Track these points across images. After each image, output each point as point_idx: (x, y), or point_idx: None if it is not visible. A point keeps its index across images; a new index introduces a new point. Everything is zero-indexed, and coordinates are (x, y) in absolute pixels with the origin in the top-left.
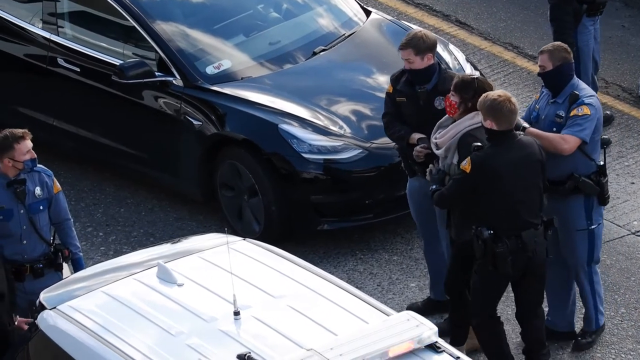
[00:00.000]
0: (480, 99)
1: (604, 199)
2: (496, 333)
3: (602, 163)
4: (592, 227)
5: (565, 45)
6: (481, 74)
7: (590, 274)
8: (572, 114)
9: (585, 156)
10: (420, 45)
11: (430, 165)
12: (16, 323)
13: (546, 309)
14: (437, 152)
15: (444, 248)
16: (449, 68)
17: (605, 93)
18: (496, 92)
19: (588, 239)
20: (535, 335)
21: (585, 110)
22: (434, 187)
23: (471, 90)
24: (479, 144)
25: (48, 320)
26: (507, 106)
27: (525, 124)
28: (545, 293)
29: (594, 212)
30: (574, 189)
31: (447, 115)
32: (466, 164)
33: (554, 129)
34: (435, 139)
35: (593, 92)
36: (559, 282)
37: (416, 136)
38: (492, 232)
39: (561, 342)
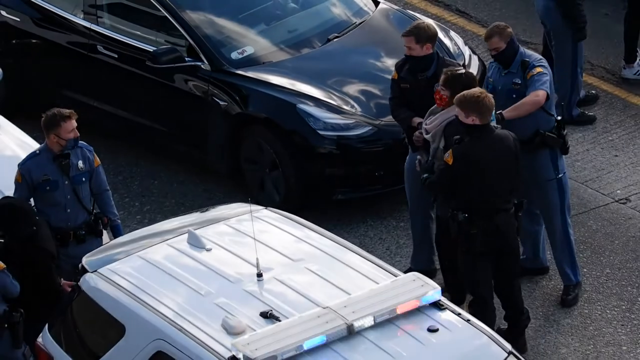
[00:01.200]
0: (459, 97)
1: (565, 149)
2: (487, 317)
3: (559, 118)
4: (560, 175)
5: (504, 24)
6: (479, 58)
7: (565, 223)
8: (528, 76)
9: (546, 113)
10: (422, 35)
11: (419, 156)
12: (61, 285)
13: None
14: (426, 136)
15: (429, 222)
16: (450, 53)
17: (590, 74)
18: (476, 90)
19: (557, 187)
20: (513, 304)
21: (538, 69)
22: (424, 175)
23: (460, 85)
24: (459, 136)
25: (89, 282)
26: (488, 102)
27: (501, 112)
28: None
29: (559, 162)
30: (540, 143)
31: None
32: (448, 157)
33: (514, 96)
34: (426, 124)
35: (540, 56)
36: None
37: (417, 120)
38: (466, 215)
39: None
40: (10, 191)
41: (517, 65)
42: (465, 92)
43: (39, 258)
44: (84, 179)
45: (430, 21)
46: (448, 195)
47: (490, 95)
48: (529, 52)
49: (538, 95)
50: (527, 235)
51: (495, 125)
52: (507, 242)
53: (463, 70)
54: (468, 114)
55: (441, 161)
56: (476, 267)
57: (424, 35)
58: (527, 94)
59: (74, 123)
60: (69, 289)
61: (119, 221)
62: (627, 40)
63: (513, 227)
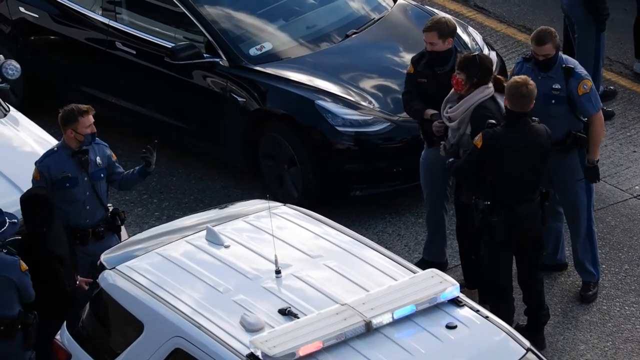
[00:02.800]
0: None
1: None
2: (503, 308)
3: (585, 119)
4: None
5: (554, 30)
6: (497, 53)
7: (590, 222)
8: (580, 92)
9: (576, 116)
10: (444, 29)
11: (442, 142)
12: (77, 282)
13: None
14: (449, 124)
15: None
16: (469, 48)
17: (609, 70)
18: (520, 77)
19: (586, 187)
20: (535, 297)
21: (588, 83)
22: (450, 160)
23: (474, 67)
24: (493, 121)
25: (108, 279)
26: (521, 90)
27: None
28: None
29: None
30: (572, 144)
31: (452, 91)
32: (478, 139)
33: (553, 101)
34: (447, 112)
35: (575, 61)
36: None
37: (430, 112)
38: (488, 203)
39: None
40: (28, 187)
41: (558, 70)
42: (515, 76)
43: (44, 261)
44: (102, 175)
45: (448, 16)
46: (472, 181)
47: (531, 87)
48: (565, 56)
49: (601, 117)
50: (548, 232)
51: (533, 119)
52: (530, 233)
53: (476, 53)
54: (505, 96)
55: (468, 147)
56: (497, 257)
57: (447, 30)
58: (580, 110)
59: (91, 118)
60: (86, 287)
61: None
62: (637, 35)
63: (536, 217)
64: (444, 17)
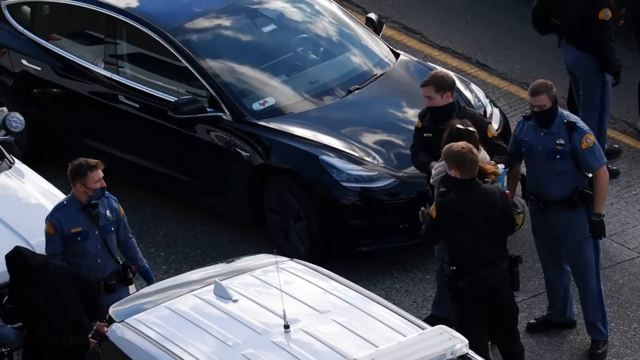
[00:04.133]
0: (444, 150)
1: None
2: None
3: (590, 175)
4: None
5: (550, 82)
6: (501, 110)
7: (598, 280)
8: (583, 146)
9: (581, 173)
10: (441, 83)
11: (422, 208)
12: (95, 328)
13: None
14: (431, 181)
15: None
16: (470, 104)
17: (613, 128)
18: (460, 144)
19: (594, 245)
20: (511, 354)
21: (591, 138)
22: (423, 227)
23: (450, 138)
24: (445, 189)
25: (117, 332)
26: (470, 157)
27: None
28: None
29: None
30: (578, 200)
31: None
32: (432, 209)
33: (557, 156)
34: (434, 169)
35: (577, 117)
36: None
37: (434, 164)
38: (454, 268)
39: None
40: (36, 240)
41: (559, 125)
42: (450, 144)
43: (29, 322)
44: (112, 229)
45: (445, 71)
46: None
47: (476, 152)
48: (566, 111)
49: (605, 172)
50: (556, 291)
51: (486, 180)
52: (497, 295)
53: (461, 126)
54: (450, 167)
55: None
56: (467, 318)
57: (443, 84)
58: (584, 165)
59: (100, 173)
60: (106, 329)
61: (147, 265)
62: None
63: (504, 282)
64: (441, 72)
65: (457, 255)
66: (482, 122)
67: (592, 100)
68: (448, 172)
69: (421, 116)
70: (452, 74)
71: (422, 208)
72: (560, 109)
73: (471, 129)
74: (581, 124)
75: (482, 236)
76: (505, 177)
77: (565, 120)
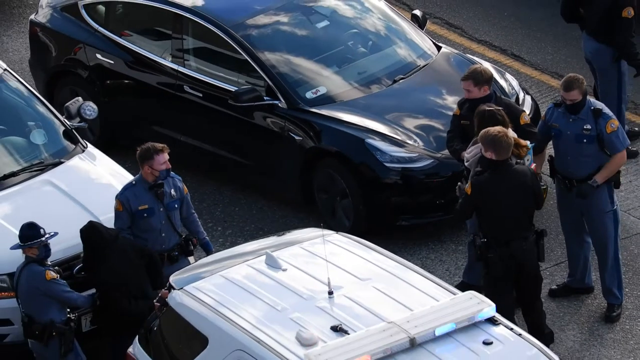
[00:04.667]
0: (481, 134)
1: (618, 183)
2: None
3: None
4: (615, 207)
5: (581, 77)
6: (532, 98)
7: (617, 250)
8: (608, 130)
9: (604, 154)
10: (479, 78)
11: (459, 183)
12: (160, 295)
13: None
14: (466, 164)
15: None
16: (505, 92)
17: (634, 113)
18: (496, 128)
19: (614, 218)
20: (536, 325)
21: (615, 122)
22: (460, 201)
23: (481, 120)
24: (480, 169)
25: (176, 298)
26: (505, 140)
27: (595, 180)
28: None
29: (614, 195)
30: None
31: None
32: (468, 187)
33: (584, 140)
34: (468, 153)
35: (602, 103)
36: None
37: (464, 155)
38: (484, 240)
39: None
40: (105, 216)
41: (587, 112)
42: (487, 129)
43: (99, 289)
44: (176, 206)
45: (487, 64)
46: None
47: (510, 135)
48: (593, 99)
49: (624, 156)
50: (577, 259)
51: (518, 161)
52: (525, 268)
53: (491, 107)
54: (486, 149)
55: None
56: (496, 290)
57: (481, 79)
58: (609, 147)
59: (166, 156)
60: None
61: (207, 238)
62: None
63: (531, 254)
64: (480, 67)
65: (488, 229)
66: (516, 110)
67: (609, 91)
68: (484, 154)
69: (460, 105)
70: (489, 67)
71: (459, 183)
72: (588, 97)
73: (499, 108)
74: (606, 110)
75: (512, 212)
76: (532, 151)
77: (592, 107)
